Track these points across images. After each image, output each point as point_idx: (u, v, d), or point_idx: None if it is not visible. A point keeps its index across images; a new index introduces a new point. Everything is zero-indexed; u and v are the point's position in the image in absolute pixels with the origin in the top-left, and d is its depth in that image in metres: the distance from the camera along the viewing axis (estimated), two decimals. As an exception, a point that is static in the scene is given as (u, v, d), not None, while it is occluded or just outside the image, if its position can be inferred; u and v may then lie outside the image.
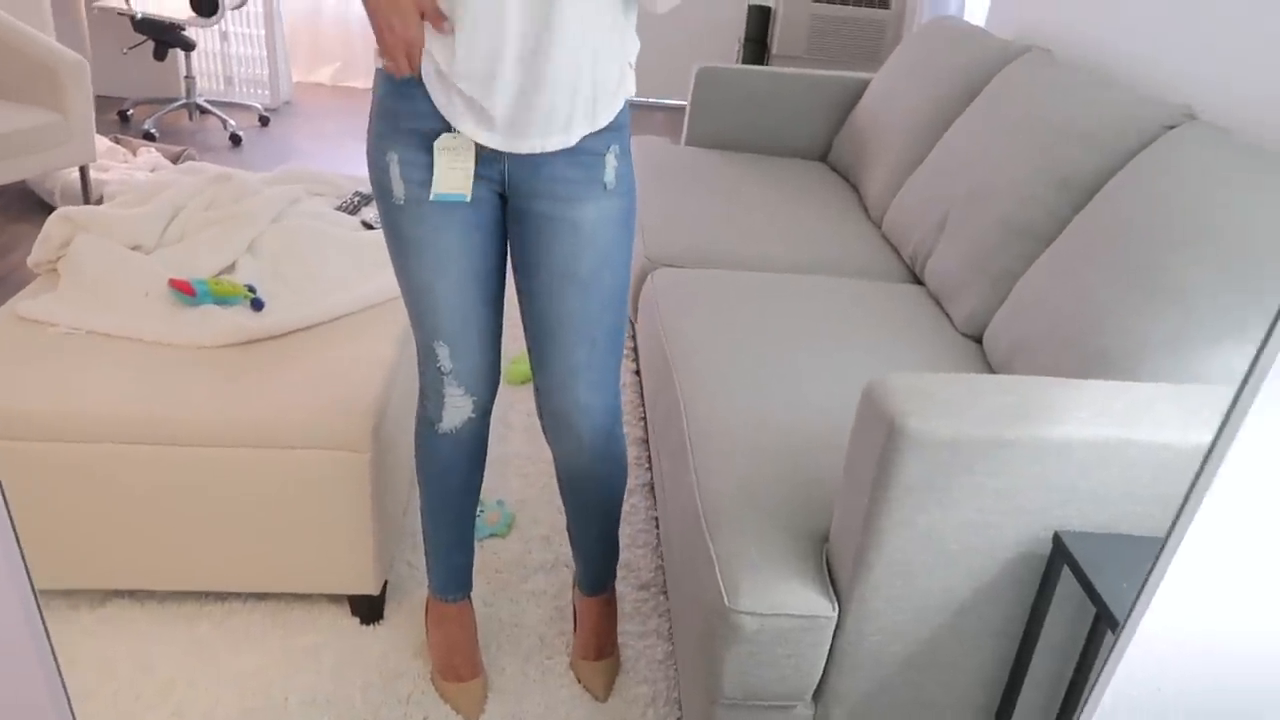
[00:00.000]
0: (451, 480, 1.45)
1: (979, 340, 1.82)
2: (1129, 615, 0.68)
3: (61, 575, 1.58)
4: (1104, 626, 1.08)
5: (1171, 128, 1.64)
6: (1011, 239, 1.77)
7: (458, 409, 1.37)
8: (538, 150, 1.17)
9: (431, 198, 1.20)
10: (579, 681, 1.58)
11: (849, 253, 2.22)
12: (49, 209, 3.26)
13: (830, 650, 1.18)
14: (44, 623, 0.75)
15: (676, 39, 5.25)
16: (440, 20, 1.10)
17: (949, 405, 1.06)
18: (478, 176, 1.21)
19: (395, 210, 1.23)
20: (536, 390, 1.37)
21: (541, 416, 1.38)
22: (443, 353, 1.32)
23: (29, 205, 3.33)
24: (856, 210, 2.51)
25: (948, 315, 1.92)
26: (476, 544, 1.86)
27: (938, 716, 1.24)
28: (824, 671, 1.20)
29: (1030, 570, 1.13)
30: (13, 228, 3.17)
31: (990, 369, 1.71)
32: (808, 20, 4.67)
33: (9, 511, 0.62)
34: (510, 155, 1.19)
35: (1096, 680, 0.72)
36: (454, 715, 1.50)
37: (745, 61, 4.92)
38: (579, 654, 1.58)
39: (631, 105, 5.30)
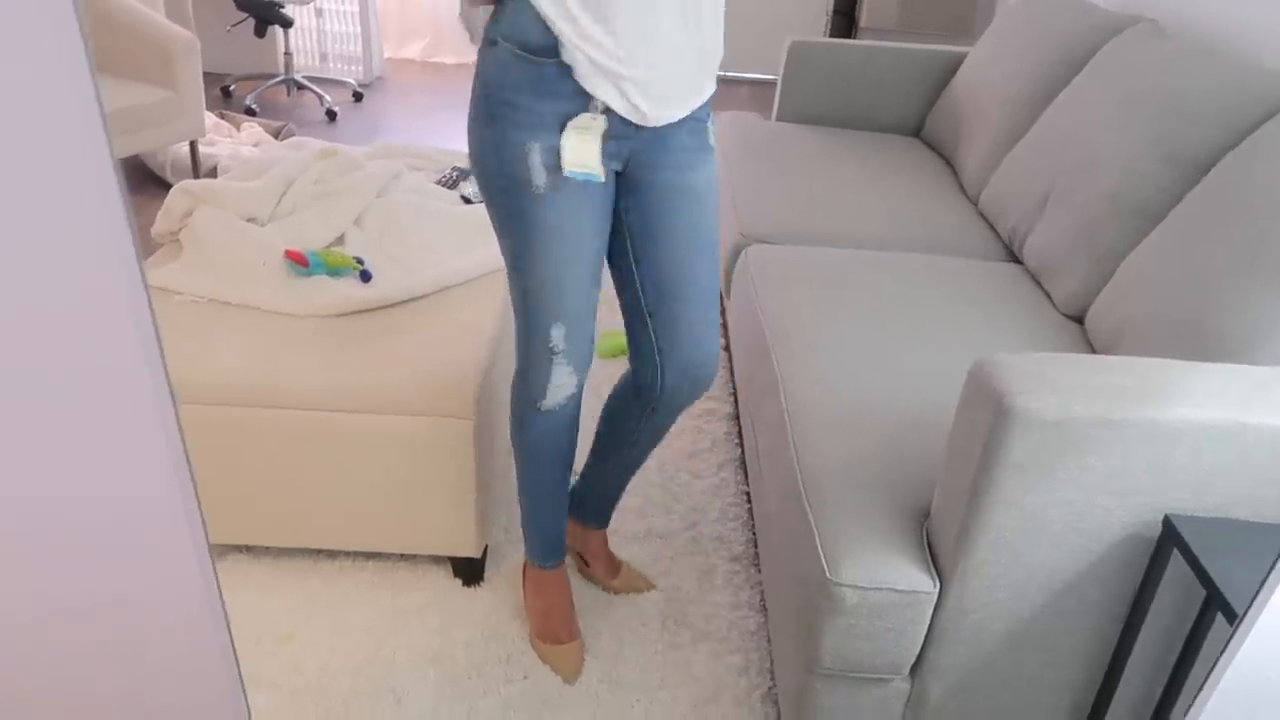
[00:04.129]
0: (550, 454, 1.49)
1: (1080, 321, 1.79)
2: (1251, 604, 0.68)
3: (186, 530, 1.68)
4: (1214, 611, 1.07)
5: (1294, 103, 1.58)
6: (1117, 216, 1.73)
7: (562, 387, 1.40)
8: (674, 118, 1.22)
9: (568, 173, 1.22)
10: (616, 592, 1.73)
11: (944, 230, 2.20)
12: (161, 182, 3.41)
13: (930, 626, 1.19)
14: (217, 580, 0.81)
15: (763, 12, 5.20)
16: None
17: (1058, 384, 1.05)
18: (606, 154, 1.24)
19: (532, 199, 1.23)
20: (659, 352, 1.39)
21: (663, 374, 1.40)
22: (558, 334, 1.33)
23: (142, 179, 3.48)
24: (952, 186, 2.47)
25: (1047, 295, 1.89)
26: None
27: (1037, 694, 1.24)
28: (922, 646, 1.21)
29: (1138, 552, 1.12)
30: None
31: (1093, 351, 1.68)
32: (899, -9, 4.57)
33: (192, 473, 0.67)
34: (646, 129, 1.23)
35: (1203, 661, 0.72)
36: (553, 675, 1.55)
37: (833, 35, 4.85)
38: (608, 576, 1.73)
39: (718, 80, 5.29)
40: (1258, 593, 0.67)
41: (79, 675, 0.83)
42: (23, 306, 0.60)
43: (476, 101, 1.22)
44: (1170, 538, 1.07)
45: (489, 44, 1.19)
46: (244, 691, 0.90)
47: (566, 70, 1.16)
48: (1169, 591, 1.14)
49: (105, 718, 0.88)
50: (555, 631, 1.58)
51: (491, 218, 1.29)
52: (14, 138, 0.54)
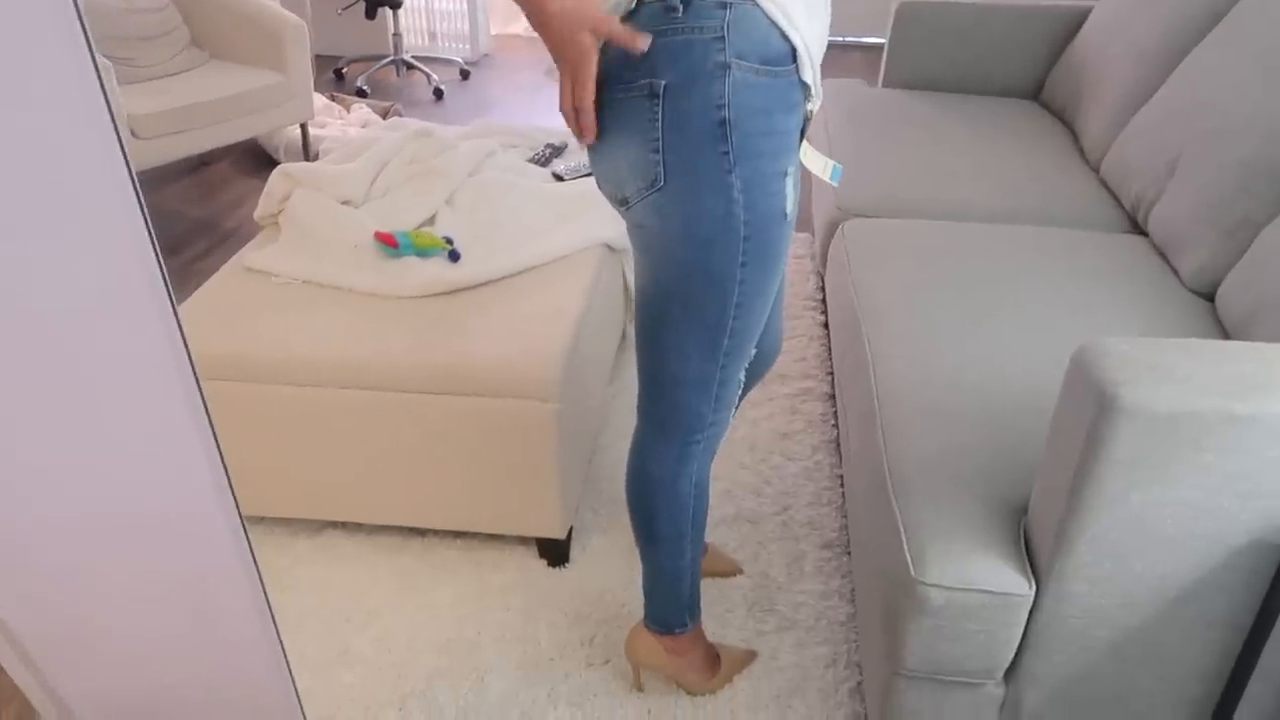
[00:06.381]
0: (708, 490, 1.33)
1: (1211, 298, 1.64)
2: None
3: (282, 505, 1.73)
4: (1352, 628, 0.96)
5: None
6: (1253, 184, 1.57)
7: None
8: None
9: (833, 180, 1.18)
10: (702, 575, 1.61)
11: (1061, 199, 2.05)
12: (275, 164, 3.53)
13: (1025, 630, 1.11)
14: (252, 550, 0.81)
15: (876, -28, 5.00)
16: (634, 40, 0.96)
17: (1171, 374, 0.95)
18: None
19: (783, 230, 1.08)
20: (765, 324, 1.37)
21: (766, 343, 1.41)
22: (747, 362, 1.21)
23: (259, 161, 3.61)
24: (1071, 153, 2.31)
25: (1174, 269, 1.74)
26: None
27: (1149, 709, 1.15)
28: (1017, 651, 1.13)
29: (1264, 559, 1.02)
30: (245, 181, 3.45)
31: (1223, 331, 1.54)
32: (1022, -56, 4.31)
33: (219, 448, 0.67)
34: None
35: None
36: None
37: (951, -7, 4.62)
38: None
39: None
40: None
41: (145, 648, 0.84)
42: (49, 322, 0.60)
43: (702, 145, 1.00)
44: (1302, 545, 0.97)
45: (718, 70, 0.97)
46: (288, 664, 0.90)
47: (799, 74, 1.02)
48: (1300, 603, 1.03)
49: (174, 687, 0.90)
50: (715, 655, 1.50)
51: (697, 269, 1.06)
52: (33, 150, 0.53)
